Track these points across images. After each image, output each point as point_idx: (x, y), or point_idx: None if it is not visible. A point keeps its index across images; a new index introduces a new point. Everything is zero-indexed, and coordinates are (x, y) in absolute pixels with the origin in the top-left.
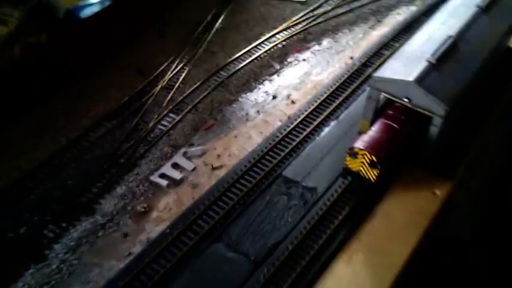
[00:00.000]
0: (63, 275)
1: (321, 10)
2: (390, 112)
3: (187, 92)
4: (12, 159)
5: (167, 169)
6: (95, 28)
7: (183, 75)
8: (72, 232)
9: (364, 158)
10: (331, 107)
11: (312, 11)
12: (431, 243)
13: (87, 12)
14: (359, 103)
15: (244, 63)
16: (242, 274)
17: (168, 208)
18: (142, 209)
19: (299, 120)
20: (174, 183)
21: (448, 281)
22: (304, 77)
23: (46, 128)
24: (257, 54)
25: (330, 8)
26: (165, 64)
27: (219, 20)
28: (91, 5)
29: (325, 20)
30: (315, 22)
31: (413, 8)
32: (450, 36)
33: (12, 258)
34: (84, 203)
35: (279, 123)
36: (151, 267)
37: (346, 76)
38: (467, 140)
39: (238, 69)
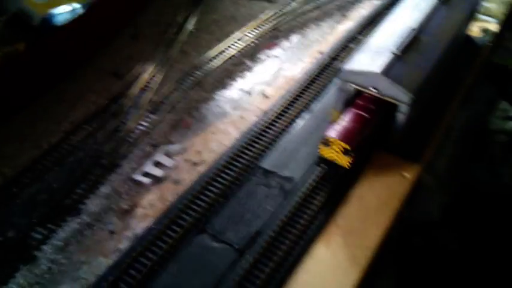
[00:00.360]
0: (54, 274)
1: (288, 8)
2: (360, 102)
3: (164, 92)
4: None
5: (149, 167)
6: (70, 34)
7: (159, 76)
8: (59, 233)
9: (337, 147)
10: (304, 100)
11: (280, 9)
12: (403, 225)
13: (61, 20)
14: (330, 95)
15: (217, 62)
16: (227, 262)
17: (152, 205)
18: (127, 207)
19: (274, 114)
20: (157, 180)
21: (420, 259)
22: (276, 72)
23: (27, 134)
24: (229, 53)
25: (297, 5)
26: (141, 66)
27: (190, 21)
28: (64, 13)
29: (293, 18)
30: (283, 19)
31: (376, 2)
32: (412, 29)
33: (2, 261)
34: (69, 204)
35: (255, 118)
36: (139, 261)
37: (316, 70)
38: (432, 125)
39: (213, 69)
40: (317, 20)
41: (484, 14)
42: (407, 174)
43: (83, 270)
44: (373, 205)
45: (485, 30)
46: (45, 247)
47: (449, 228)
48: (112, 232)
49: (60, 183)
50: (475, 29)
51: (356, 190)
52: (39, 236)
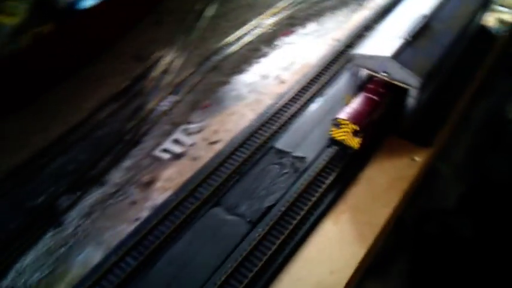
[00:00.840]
0: (79, 238)
1: None
2: (370, 86)
3: (184, 75)
4: (29, 138)
5: (169, 144)
6: (95, 18)
7: (179, 60)
8: (85, 201)
9: (347, 128)
10: (318, 85)
11: None
12: (418, 212)
13: (87, 4)
14: (344, 80)
15: (235, 47)
16: (239, 234)
17: (171, 179)
18: (148, 180)
19: (289, 97)
20: (176, 156)
21: (433, 245)
22: (292, 58)
23: (55, 111)
24: (247, 39)
25: None
26: (162, 51)
27: (210, 9)
28: None
29: (309, 6)
30: (299, 8)
31: None
32: (424, 16)
33: (32, 225)
34: (94, 175)
35: (270, 101)
36: (158, 229)
37: (331, 57)
38: (444, 111)
39: (230, 54)
40: (333, 9)
41: (500, 5)
42: (417, 158)
43: (106, 235)
44: (382, 186)
45: (502, 21)
46: (72, 213)
47: (464, 216)
48: (133, 202)
49: (86, 156)
50: (490, 19)
51: (366, 171)
52: (66, 203)
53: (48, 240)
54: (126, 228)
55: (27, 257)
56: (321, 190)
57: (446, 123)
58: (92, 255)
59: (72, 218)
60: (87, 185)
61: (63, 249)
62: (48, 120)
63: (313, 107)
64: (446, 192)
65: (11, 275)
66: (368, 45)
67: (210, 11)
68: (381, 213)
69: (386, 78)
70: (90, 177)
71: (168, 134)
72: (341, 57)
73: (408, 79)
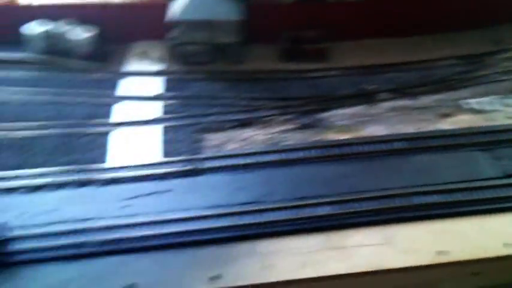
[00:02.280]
0: (372, 119)
1: None
2: None
3: None
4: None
5: (474, 101)
6: None
7: None
8: (394, 102)
9: None
10: None
11: None
12: None
13: None
14: None
15: None
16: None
17: (459, 121)
18: (444, 113)
19: None
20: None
21: None
22: None
23: (409, 48)
24: None
25: None
26: None
27: None
28: None
29: None
30: None
31: None
32: None
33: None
34: (414, 92)
35: None
36: (414, 140)
37: None
38: None
39: None
40: None
41: None
42: None
43: (390, 125)
44: None
45: None
46: (382, 104)
47: None
48: (419, 120)
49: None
50: None
51: None
52: (383, 97)
53: (357, 109)
54: (404, 129)
55: (335, 112)
56: None
57: None
58: (375, 131)
59: (381, 107)
60: (402, 95)
61: (362, 119)
62: (404, 51)
63: None
64: None
65: (324, 114)
66: None
67: None
68: None
69: None
70: (407, 92)
71: (482, 95)
72: None
73: None
